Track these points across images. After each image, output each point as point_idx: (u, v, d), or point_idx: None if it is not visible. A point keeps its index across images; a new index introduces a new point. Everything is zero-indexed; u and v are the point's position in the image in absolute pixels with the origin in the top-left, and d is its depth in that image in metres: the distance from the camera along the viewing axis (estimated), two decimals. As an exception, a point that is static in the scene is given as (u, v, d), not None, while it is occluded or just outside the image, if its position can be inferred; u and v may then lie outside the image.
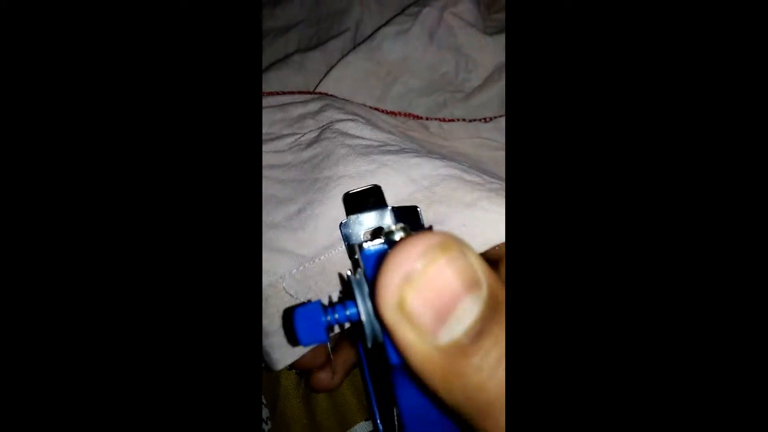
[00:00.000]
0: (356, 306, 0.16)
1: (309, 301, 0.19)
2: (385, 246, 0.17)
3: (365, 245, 0.17)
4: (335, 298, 0.26)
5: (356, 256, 0.19)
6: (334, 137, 0.30)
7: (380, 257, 0.15)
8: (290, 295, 0.26)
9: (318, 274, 0.26)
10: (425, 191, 0.27)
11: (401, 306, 0.13)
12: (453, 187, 0.27)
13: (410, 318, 0.13)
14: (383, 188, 0.27)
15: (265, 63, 0.46)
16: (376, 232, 0.26)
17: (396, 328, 0.13)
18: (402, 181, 0.27)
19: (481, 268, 0.13)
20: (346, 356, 0.30)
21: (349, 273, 0.17)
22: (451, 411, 0.13)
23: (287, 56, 0.46)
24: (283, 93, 0.39)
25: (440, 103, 0.46)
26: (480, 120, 0.47)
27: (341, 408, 0.34)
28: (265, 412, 0.33)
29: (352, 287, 0.17)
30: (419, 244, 0.13)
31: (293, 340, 0.23)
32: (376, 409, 0.27)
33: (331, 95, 0.41)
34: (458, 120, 0.47)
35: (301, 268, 0.26)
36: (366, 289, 0.16)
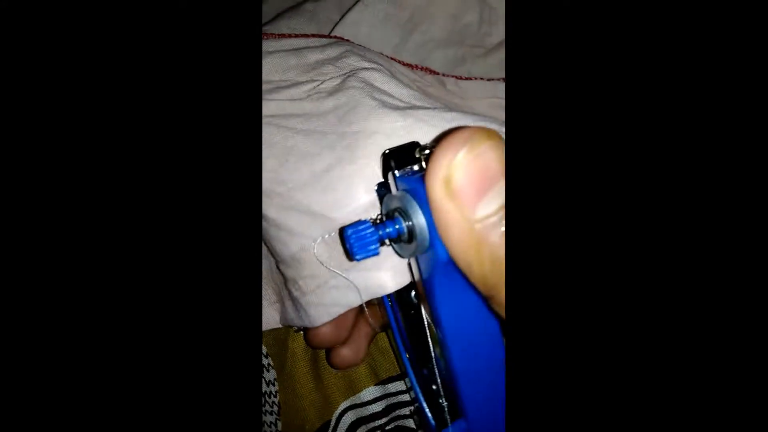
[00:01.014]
0: (403, 219, 0.19)
1: (359, 221, 0.20)
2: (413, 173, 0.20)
3: (397, 173, 0.20)
4: (371, 266, 0.24)
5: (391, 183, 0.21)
6: (361, 87, 0.27)
7: (417, 179, 0.18)
8: (320, 262, 0.24)
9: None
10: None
11: (448, 182, 0.14)
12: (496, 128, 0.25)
13: (454, 194, 0.14)
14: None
15: (273, 12, 0.41)
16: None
17: (442, 203, 0.15)
18: (431, 127, 0.25)
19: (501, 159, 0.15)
20: (365, 330, 0.28)
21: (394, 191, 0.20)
22: (488, 303, 0.15)
23: (298, 4, 0.42)
24: (296, 36, 0.35)
25: (459, 57, 0.44)
26: (499, 79, 0.44)
27: (350, 373, 0.33)
28: (272, 374, 0.32)
29: (401, 202, 0.19)
30: (467, 131, 0.15)
31: (347, 255, 0.24)
32: (408, 365, 0.26)
33: (348, 40, 0.37)
34: (476, 78, 0.44)
35: (333, 233, 0.24)
36: (413, 201, 0.18)
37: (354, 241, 0.20)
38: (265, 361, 0.31)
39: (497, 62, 0.45)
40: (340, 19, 0.40)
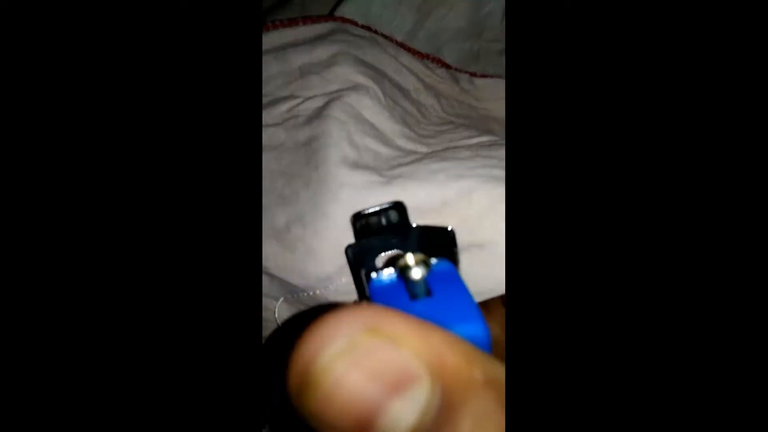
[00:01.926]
0: None
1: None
2: (395, 279, 0.15)
3: (374, 275, 0.15)
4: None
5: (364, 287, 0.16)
6: (344, 120, 0.23)
7: (391, 292, 0.14)
8: (279, 325, 0.21)
9: (312, 304, 0.21)
10: (459, 201, 0.21)
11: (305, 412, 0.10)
12: (496, 197, 0.21)
13: None
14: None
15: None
16: (392, 261, 0.21)
17: None
18: (424, 188, 0.21)
19: (425, 355, 0.10)
20: None
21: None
22: None
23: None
24: (282, 24, 0.30)
25: (474, 52, 0.38)
26: (521, 78, 0.39)
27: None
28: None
29: None
30: (330, 332, 0.10)
31: None
32: None
33: (350, 20, 0.32)
34: (492, 76, 0.39)
35: (295, 296, 0.21)
36: None
37: None
38: None
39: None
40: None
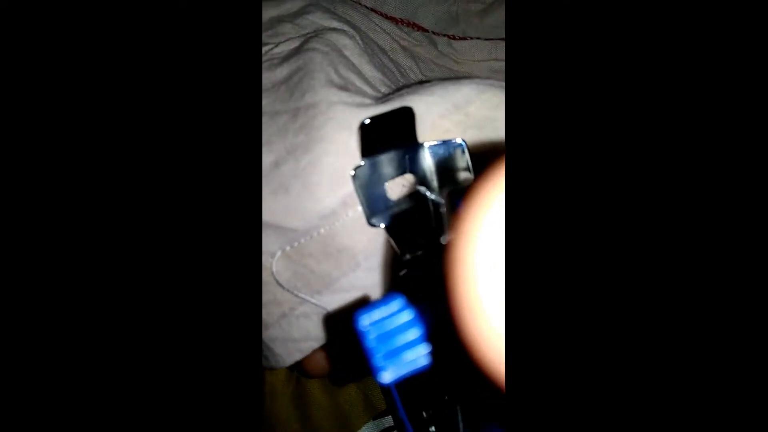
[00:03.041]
0: None
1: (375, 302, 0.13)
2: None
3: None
4: (349, 286, 0.18)
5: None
6: (325, 51, 0.20)
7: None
8: (281, 286, 0.18)
9: (320, 254, 0.18)
10: (455, 114, 0.18)
11: None
12: (495, 104, 0.19)
13: None
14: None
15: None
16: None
17: None
18: (421, 102, 0.18)
19: None
20: None
21: None
22: None
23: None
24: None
25: (452, 15, 0.37)
26: (500, 39, 0.37)
27: (344, 408, 0.27)
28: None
29: None
30: None
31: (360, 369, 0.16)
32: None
33: None
34: (472, 38, 0.37)
35: (295, 244, 0.18)
36: None
37: (378, 346, 0.11)
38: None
39: (497, 22, 0.39)
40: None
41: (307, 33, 0.23)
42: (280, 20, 0.24)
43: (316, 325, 0.18)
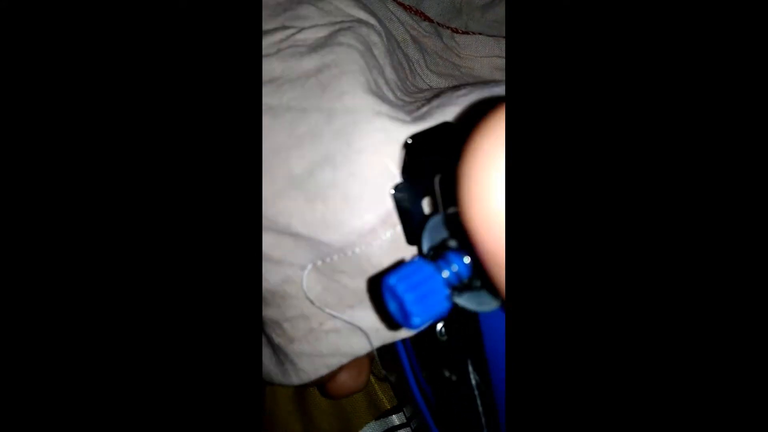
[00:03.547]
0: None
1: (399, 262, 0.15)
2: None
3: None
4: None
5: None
6: (361, 50, 0.19)
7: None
8: (309, 300, 0.17)
9: (354, 271, 0.17)
10: None
11: None
12: None
13: None
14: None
15: None
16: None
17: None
18: (455, 111, 0.18)
19: None
20: None
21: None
22: None
23: None
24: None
25: (456, 7, 0.36)
26: (503, 36, 0.37)
27: (346, 408, 0.27)
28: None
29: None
30: None
31: (390, 323, 0.17)
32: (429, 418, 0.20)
33: None
34: (473, 33, 0.37)
35: (327, 260, 0.17)
36: None
37: (411, 300, 0.12)
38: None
39: (498, 17, 0.38)
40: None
41: (335, 21, 0.21)
42: (299, 1, 0.22)
43: (346, 340, 0.18)
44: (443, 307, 0.13)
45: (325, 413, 0.27)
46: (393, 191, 0.16)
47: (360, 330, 0.18)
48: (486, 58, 0.37)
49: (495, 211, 0.10)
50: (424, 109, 0.19)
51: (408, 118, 0.17)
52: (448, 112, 0.18)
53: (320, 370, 0.18)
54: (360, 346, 0.18)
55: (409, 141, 0.16)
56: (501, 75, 0.36)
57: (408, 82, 0.27)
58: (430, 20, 0.34)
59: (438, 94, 0.21)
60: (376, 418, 0.27)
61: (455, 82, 0.32)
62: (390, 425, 0.27)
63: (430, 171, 0.16)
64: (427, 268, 0.13)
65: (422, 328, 0.14)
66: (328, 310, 0.17)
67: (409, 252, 0.17)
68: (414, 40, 0.32)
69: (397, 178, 0.16)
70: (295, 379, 0.18)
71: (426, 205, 0.17)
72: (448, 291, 0.13)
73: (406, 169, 0.16)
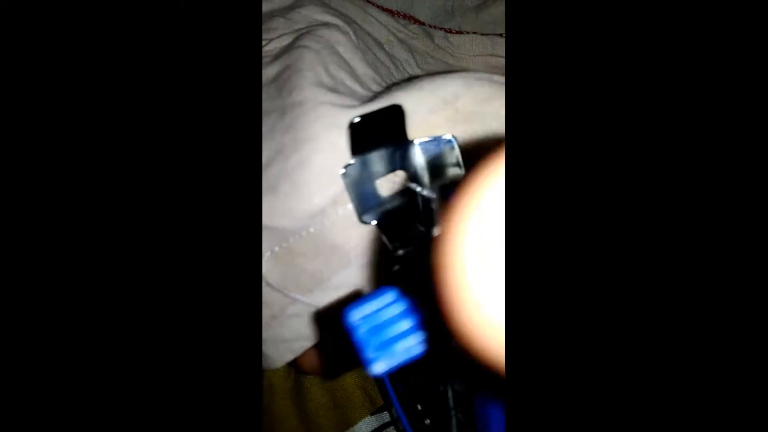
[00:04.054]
0: None
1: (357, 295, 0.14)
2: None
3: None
4: (340, 284, 0.18)
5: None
6: (317, 49, 0.20)
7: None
8: (270, 285, 0.18)
9: (311, 252, 0.18)
10: (445, 109, 0.18)
11: None
12: (483, 98, 0.19)
13: None
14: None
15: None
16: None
17: None
18: (410, 99, 0.18)
19: None
20: None
21: None
22: None
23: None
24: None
25: (447, 10, 0.36)
26: (497, 35, 0.37)
27: (342, 403, 0.27)
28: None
29: None
30: None
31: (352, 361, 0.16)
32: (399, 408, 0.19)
33: None
34: (468, 32, 0.37)
35: (284, 244, 0.18)
36: None
37: (373, 346, 0.11)
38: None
39: (492, 18, 0.38)
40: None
41: (300, 29, 0.23)
42: (272, 15, 0.24)
43: (307, 325, 0.18)
44: (414, 353, 0.11)
45: (321, 408, 0.27)
46: (343, 171, 0.17)
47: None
48: (480, 56, 0.37)
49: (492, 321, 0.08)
50: (381, 93, 0.20)
51: (356, 103, 0.18)
52: (399, 96, 0.18)
53: (286, 355, 0.19)
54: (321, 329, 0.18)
55: (356, 120, 0.17)
56: (494, 72, 0.36)
57: (394, 79, 0.28)
58: (421, 23, 0.35)
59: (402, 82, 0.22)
60: (372, 413, 0.27)
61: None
62: (386, 420, 0.27)
63: (378, 148, 0.17)
64: (391, 301, 0.11)
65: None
66: (288, 293, 0.18)
67: (363, 228, 0.17)
68: (400, 41, 0.33)
69: (348, 159, 0.17)
70: (267, 365, 0.19)
71: (379, 184, 0.18)
72: (422, 334, 0.11)
73: (355, 149, 0.17)
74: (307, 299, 0.18)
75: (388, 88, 0.20)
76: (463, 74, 0.20)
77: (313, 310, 0.18)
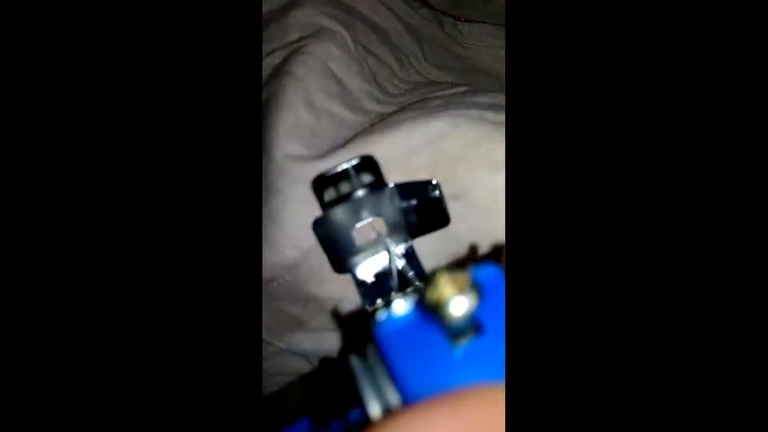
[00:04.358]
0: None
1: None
2: (410, 314, 0.11)
3: (379, 314, 0.11)
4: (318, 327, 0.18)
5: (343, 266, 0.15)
6: (301, 77, 0.19)
7: (412, 337, 0.10)
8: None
9: (288, 298, 0.18)
10: (427, 149, 0.17)
11: None
12: (472, 139, 0.18)
13: None
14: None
15: None
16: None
17: None
18: (385, 143, 0.17)
19: None
20: None
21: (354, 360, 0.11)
22: None
23: None
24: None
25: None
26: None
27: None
28: None
29: (359, 384, 0.11)
30: None
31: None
32: None
33: None
34: (477, 22, 0.35)
35: (265, 287, 0.18)
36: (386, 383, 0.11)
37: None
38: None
39: (501, 9, 0.36)
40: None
41: (291, 42, 0.21)
42: (267, 21, 0.22)
43: (291, 362, 0.19)
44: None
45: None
46: (313, 225, 0.17)
47: (299, 355, 0.18)
48: (491, 48, 0.35)
49: None
50: (356, 137, 0.19)
51: (321, 153, 0.17)
52: (377, 139, 0.17)
53: (270, 388, 0.19)
54: (304, 365, 0.19)
55: (321, 176, 0.16)
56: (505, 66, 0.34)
57: (394, 80, 0.26)
58: (432, 7, 0.32)
59: (388, 116, 0.20)
60: None
61: (456, 75, 0.31)
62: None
63: (348, 200, 0.16)
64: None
65: None
66: (267, 338, 0.18)
67: (339, 277, 0.17)
68: (410, 29, 0.31)
69: (317, 212, 0.17)
70: None
71: (356, 233, 0.17)
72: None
73: (323, 203, 0.16)
74: (284, 344, 0.18)
75: (382, 119, 0.19)
76: (452, 111, 0.19)
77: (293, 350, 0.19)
